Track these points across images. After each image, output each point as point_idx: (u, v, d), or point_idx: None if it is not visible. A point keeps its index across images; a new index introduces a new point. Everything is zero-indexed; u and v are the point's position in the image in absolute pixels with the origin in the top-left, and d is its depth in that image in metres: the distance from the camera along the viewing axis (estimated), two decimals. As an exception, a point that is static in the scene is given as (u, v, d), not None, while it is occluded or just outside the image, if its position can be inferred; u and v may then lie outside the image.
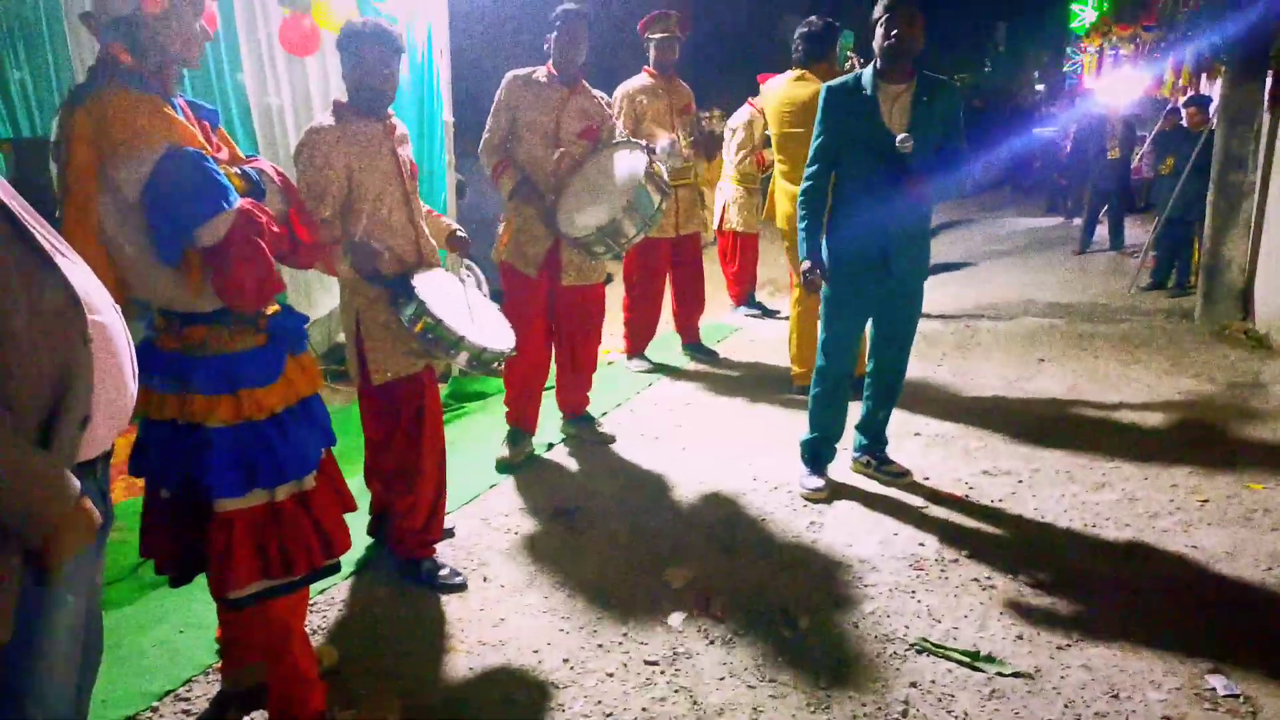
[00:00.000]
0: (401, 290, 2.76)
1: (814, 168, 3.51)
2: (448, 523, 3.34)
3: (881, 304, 3.62)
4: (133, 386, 1.53)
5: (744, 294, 7.21)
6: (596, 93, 4.01)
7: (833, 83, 3.50)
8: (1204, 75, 8.67)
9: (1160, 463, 3.90)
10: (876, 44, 3.35)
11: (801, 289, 4.86)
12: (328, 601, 2.94)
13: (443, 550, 3.19)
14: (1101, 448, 4.09)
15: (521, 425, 4.14)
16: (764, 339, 6.39)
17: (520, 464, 4.04)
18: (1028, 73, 25.32)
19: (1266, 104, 6.48)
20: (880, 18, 3.32)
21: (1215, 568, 3.04)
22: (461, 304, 2.95)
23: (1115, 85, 11.36)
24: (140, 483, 2.23)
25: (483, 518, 3.54)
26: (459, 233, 3.22)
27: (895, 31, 3.27)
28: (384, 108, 2.89)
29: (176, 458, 2.06)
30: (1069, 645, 2.63)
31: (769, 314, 7.13)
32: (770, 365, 5.69)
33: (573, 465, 4.12)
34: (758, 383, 5.31)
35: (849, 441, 3.93)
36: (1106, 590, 2.92)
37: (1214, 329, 6.39)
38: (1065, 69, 16.70)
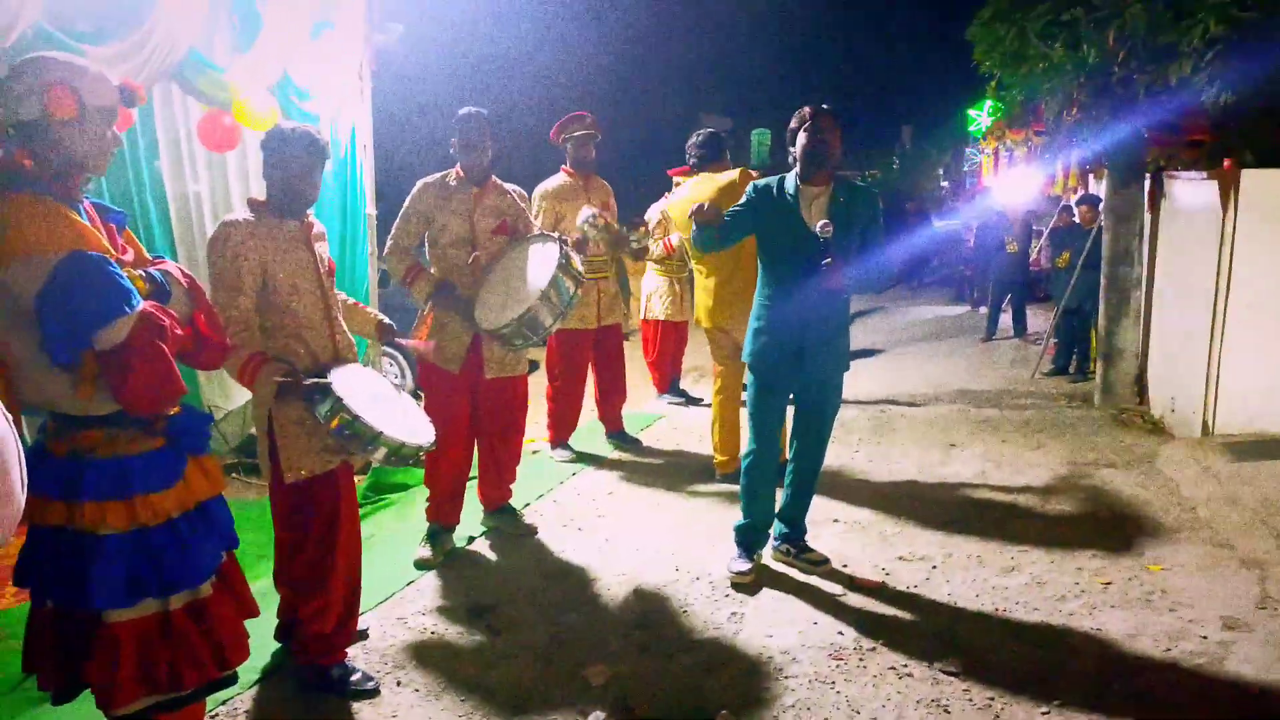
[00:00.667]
0: (316, 387, 2.73)
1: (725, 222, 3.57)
2: (362, 623, 3.24)
3: (800, 393, 3.77)
4: (20, 496, 1.48)
5: (668, 381, 7.30)
6: (509, 187, 4.10)
7: (758, 181, 3.74)
8: (1091, 176, 9.32)
9: (1065, 546, 4.03)
10: (797, 151, 3.56)
11: (722, 379, 4.97)
12: (230, 713, 2.79)
13: (355, 653, 3.08)
14: (1010, 532, 4.22)
15: (442, 521, 4.07)
16: (687, 426, 6.46)
17: (440, 562, 3.96)
18: (932, 170, 26.77)
19: (1146, 205, 7.01)
20: (799, 127, 3.55)
21: (1119, 649, 3.13)
22: (379, 398, 2.93)
23: (1011, 184, 12.10)
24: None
25: (399, 617, 3.44)
26: (385, 321, 3.27)
27: (814, 140, 3.50)
28: (304, 210, 2.92)
29: (64, 567, 1.98)
30: (984, 732, 2.66)
31: (692, 401, 7.22)
32: (693, 453, 5.74)
33: (494, 559, 4.06)
34: (681, 471, 5.34)
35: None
36: (1018, 676, 2.98)
37: (1112, 414, 6.71)
38: (965, 169, 17.77)
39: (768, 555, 3.95)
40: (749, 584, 3.69)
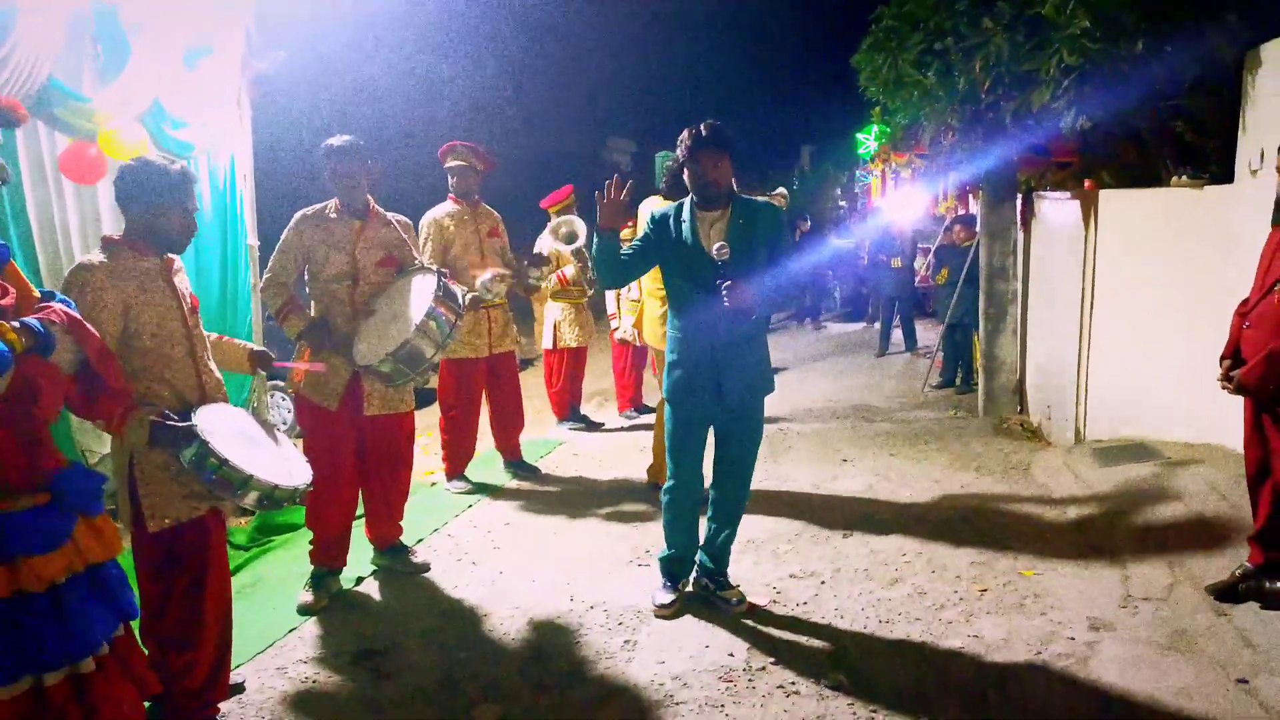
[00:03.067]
0: (181, 431, 2.62)
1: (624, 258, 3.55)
2: (238, 675, 3.12)
3: (720, 425, 3.68)
4: None
5: (568, 409, 7.29)
6: (392, 217, 4.04)
7: (655, 211, 3.66)
8: (970, 196, 9.77)
9: (946, 555, 4.18)
10: (688, 180, 3.50)
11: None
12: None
13: (230, 708, 2.96)
14: (895, 544, 4.35)
15: (327, 565, 3.96)
16: (588, 452, 6.45)
17: (322, 609, 3.83)
18: (830, 190, 27.59)
19: (1019, 223, 7.38)
20: (685, 160, 3.46)
21: (993, 656, 3.26)
22: (250, 438, 2.85)
23: (898, 204, 12.59)
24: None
25: (279, 666, 3.32)
26: (257, 350, 3.17)
27: (699, 170, 3.42)
28: (171, 248, 2.82)
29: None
30: (865, 746, 2.73)
31: (594, 426, 7.23)
32: (593, 479, 5.74)
33: (383, 600, 3.97)
34: (580, 498, 5.33)
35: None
36: (900, 689, 3.07)
37: (994, 423, 7.01)
38: (857, 189, 18.40)
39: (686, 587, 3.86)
40: (670, 616, 3.63)
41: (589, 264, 6.73)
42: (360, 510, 4.17)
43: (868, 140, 14.93)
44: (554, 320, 7.00)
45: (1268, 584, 3.36)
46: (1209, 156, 5.41)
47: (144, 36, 4.74)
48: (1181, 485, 4.60)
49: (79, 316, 2.13)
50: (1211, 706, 2.82)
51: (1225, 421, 4.99)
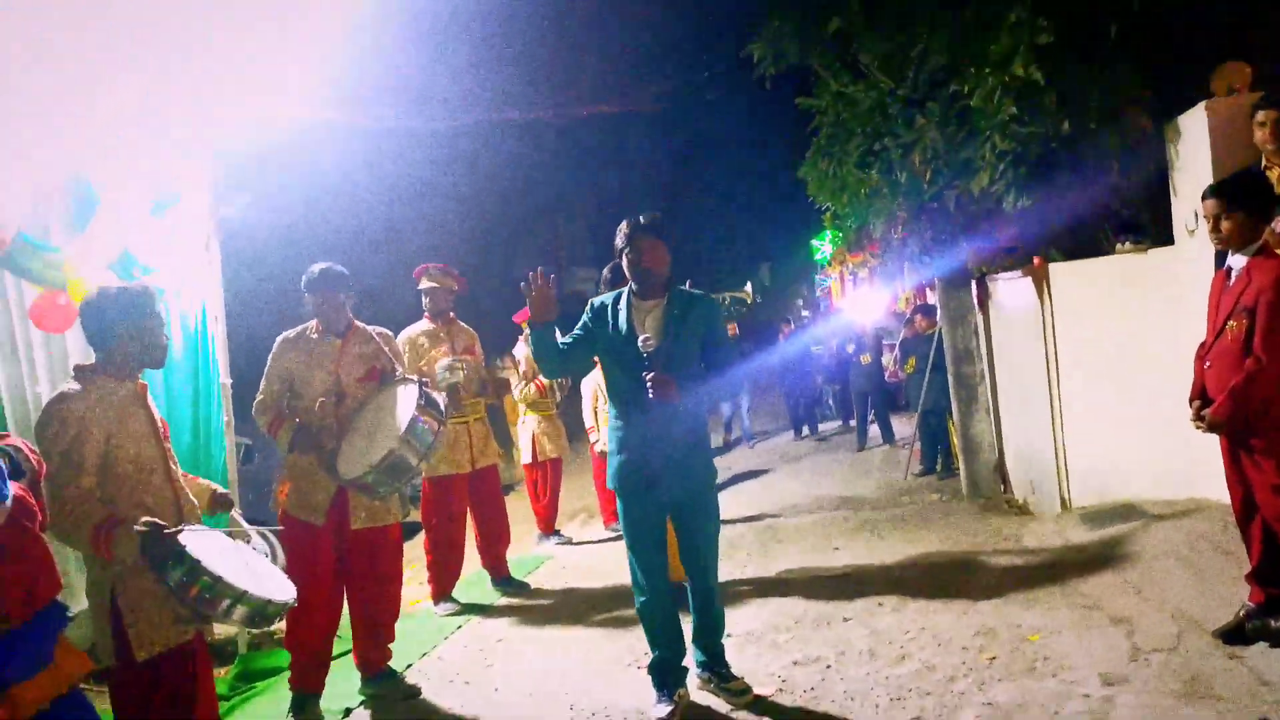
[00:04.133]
0: (160, 549, 2.57)
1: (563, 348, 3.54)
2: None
3: (674, 515, 3.62)
4: None
5: (552, 523, 7.19)
6: (373, 331, 4.11)
7: (594, 300, 3.67)
8: (928, 288, 10.08)
9: (950, 628, 4.11)
10: (626, 269, 3.54)
11: None
12: None
13: None
14: (897, 622, 4.27)
15: (306, 688, 3.81)
16: (577, 564, 6.34)
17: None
18: (792, 301, 28.26)
19: (976, 306, 7.60)
20: (624, 247, 3.50)
21: (1011, 720, 3.18)
22: (231, 556, 2.80)
23: (859, 302, 12.93)
24: None
25: (269, 804, 3.14)
26: (219, 491, 3.12)
27: (637, 259, 3.46)
28: (145, 368, 2.84)
29: None
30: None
31: (569, 543, 7.14)
32: (586, 589, 5.62)
33: (375, 730, 3.80)
34: (574, 608, 5.20)
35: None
36: (919, 760, 2.96)
37: (980, 503, 7.01)
38: (818, 294, 18.91)
39: (693, 685, 3.71)
40: None
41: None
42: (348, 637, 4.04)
43: (823, 245, 15.47)
44: (532, 432, 7.01)
45: (1273, 622, 3.33)
46: (1144, 225, 5.69)
47: (111, 189, 4.88)
48: (1171, 538, 4.61)
49: (35, 449, 2.13)
50: (1237, 747, 2.75)
51: (1204, 473, 5.06)
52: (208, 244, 5.65)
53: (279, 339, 3.99)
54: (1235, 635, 3.39)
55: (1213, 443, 3.52)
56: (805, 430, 13.09)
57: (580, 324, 3.62)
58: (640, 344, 3.36)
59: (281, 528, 3.34)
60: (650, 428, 3.43)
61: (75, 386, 2.71)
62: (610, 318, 3.54)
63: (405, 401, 3.72)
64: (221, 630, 5.50)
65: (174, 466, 2.87)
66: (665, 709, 3.49)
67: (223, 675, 4.70)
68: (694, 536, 3.62)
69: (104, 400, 2.70)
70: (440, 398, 3.87)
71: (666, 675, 3.59)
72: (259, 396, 3.97)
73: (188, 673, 2.71)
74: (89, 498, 2.61)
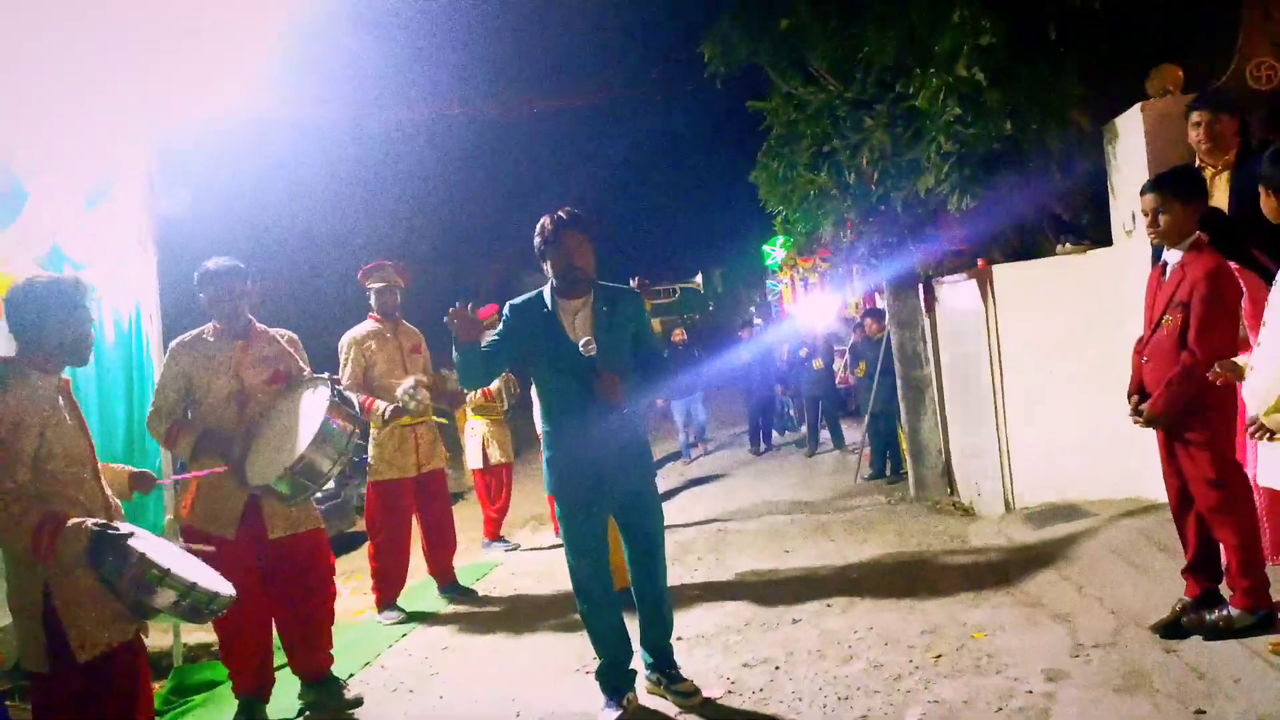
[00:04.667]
0: (107, 547, 2.48)
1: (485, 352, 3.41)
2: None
3: (617, 516, 3.56)
4: None
5: (499, 529, 7.11)
6: (276, 332, 3.95)
7: (514, 301, 3.50)
8: (876, 293, 10.18)
9: (897, 627, 4.12)
10: (549, 269, 3.41)
11: None
12: None
13: None
14: (845, 622, 4.28)
15: (251, 693, 3.69)
16: (525, 571, 6.25)
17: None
18: (745, 308, 28.46)
19: (924, 309, 7.69)
20: (548, 244, 3.37)
21: (957, 718, 3.18)
22: (175, 554, 2.74)
23: (809, 307, 13.02)
24: None
25: (200, 818, 3.02)
26: (135, 471, 3.06)
27: (564, 256, 3.34)
28: (71, 363, 2.73)
29: None
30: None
31: (515, 549, 7.06)
32: (534, 595, 5.54)
33: (313, 737, 3.68)
34: (522, 614, 5.13)
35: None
36: (866, 759, 2.95)
37: (928, 504, 7.08)
38: (770, 299, 19.05)
39: (642, 688, 3.65)
40: None
41: (511, 380, 6.73)
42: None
43: (774, 250, 15.57)
44: (480, 437, 6.92)
45: (1207, 615, 3.39)
46: (1083, 226, 5.81)
47: (41, 180, 4.70)
48: (1110, 533, 4.69)
49: None
50: (1176, 738, 2.79)
51: (1144, 473, 5.16)
52: (143, 240, 5.48)
53: (172, 344, 3.80)
54: (1172, 629, 3.44)
55: (1152, 442, 3.58)
56: (762, 446, 12.26)
57: (502, 329, 3.46)
58: (582, 348, 3.28)
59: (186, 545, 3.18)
60: (592, 430, 3.35)
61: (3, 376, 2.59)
62: (538, 321, 3.41)
63: (316, 403, 3.58)
64: (155, 643, 5.35)
65: (97, 462, 2.76)
66: (614, 714, 3.42)
67: (157, 689, 4.54)
68: (640, 538, 3.57)
69: (35, 394, 2.59)
70: (354, 397, 3.75)
71: (615, 680, 3.53)
72: (152, 406, 3.76)
73: (133, 671, 2.64)
74: (25, 494, 2.49)
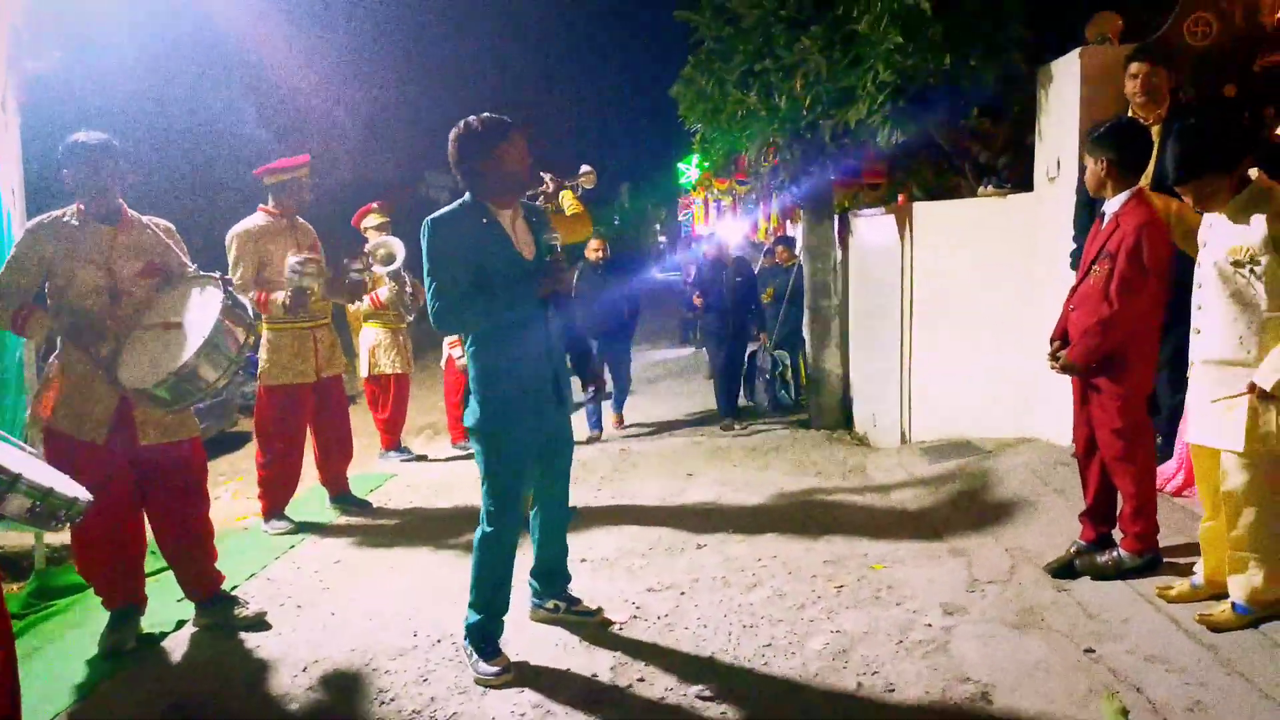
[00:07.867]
0: None
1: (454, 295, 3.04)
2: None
3: (548, 438, 3.33)
4: None
5: (397, 439, 6.88)
6: (151, 220, 3.55)
7: (436, 218, 3.05)
8: (788, 220, 10.16)
9: (800, 557, 4.17)
10: (500, 170, 3.02)
11: None
12: None
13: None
14: (749, 550, 4.30)
15: (124, 602, 3.47)
16: (423, 483, 6.07)
17: (130, 649, 3.39)
18: (650, 224, 28.22)
19: (837, 241, 7.69)
20: (500, 143, 3.00)
21: (857, 648, 3.23)
22: (25, 457, 2.44)
23: (721, 230, 12.92)
24: None
25: (67, 739, 2.80)
26: None
27: (510, 160, 3.03)
28: None
29: None
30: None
31: (420, 459, 6.86)
32: (432, 509, 5.38)
33: (192, 652, 3.47)
34: (419, 529, 4.96)
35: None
36: (771, 689, 2.97)
37: (825, 434, 7.21)
38: (680, 219, 18.89)
39: (525, 621, 3.54)
40: (507, 682, 3.09)
41: (406, 287, 6.40)
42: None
43: (689, 170, 15.34)
44: (369, 346, 6.62)
45: (1099, 558, 3.53)
46: (1000, 171, 5.84)
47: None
48: (1005, 472, 4.85)
49: None
50: (1067, 676, 2.89)
51: (1039, 414, 5.34)
52: (4, 104, 4.86)
53: (30, 223, 3.35)
54: (1065, 570, 3.58)
55: (1047, 386, 3.63)
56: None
57: (440, 250, 3.01)
58: (545, 240, 3.12)
59: (38, 450, 2.85)
60: (548, 339, 3.16)
61: None
62: (479, 233, 3.07)
63: (205, 305, 3.25)
64: (16, 542, 4.96)
65: None
66: (495, 666, 3.12)
67: (15, 591, 4.22)
68: (560, 461, 3.46)
69: None
70: (248, 300, 3.42)
71: (492, 632, 3.24)
72: None
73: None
74: None
